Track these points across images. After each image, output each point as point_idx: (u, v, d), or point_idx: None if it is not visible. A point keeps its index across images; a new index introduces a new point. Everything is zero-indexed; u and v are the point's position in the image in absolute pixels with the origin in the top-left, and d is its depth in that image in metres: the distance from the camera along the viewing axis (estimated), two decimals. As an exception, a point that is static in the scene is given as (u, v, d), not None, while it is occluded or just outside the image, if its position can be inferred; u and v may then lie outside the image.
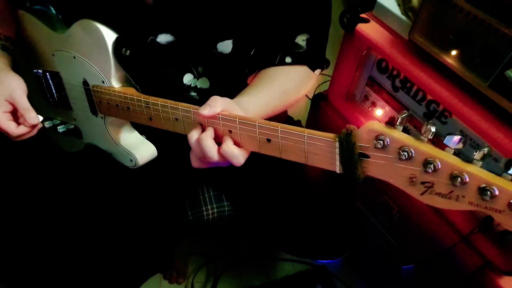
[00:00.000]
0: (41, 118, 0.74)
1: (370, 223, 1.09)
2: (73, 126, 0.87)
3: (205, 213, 0.95)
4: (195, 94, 0.82)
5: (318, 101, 1.09)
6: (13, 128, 0.72)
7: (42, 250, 0.83)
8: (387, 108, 0.93)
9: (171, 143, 0.78)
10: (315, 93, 1.13)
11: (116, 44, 0.70)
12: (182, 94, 0.81)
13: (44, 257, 0.83)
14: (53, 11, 0.84)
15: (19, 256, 0.85)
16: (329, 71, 0.92)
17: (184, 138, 0.61)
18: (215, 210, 0.96)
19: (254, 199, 0.95)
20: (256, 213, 0.97)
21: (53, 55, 0.81)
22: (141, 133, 0.82)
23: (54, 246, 0.83)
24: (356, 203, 1.12)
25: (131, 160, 0.78)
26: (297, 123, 1.06)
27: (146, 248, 0.92)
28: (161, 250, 1.02)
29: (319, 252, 1.05)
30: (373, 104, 0.96)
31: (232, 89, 0.72)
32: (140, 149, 0.79)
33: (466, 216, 0.82)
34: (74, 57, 0.76)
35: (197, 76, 0.80)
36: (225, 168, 0.61)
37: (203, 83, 0.81)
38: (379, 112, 0.96)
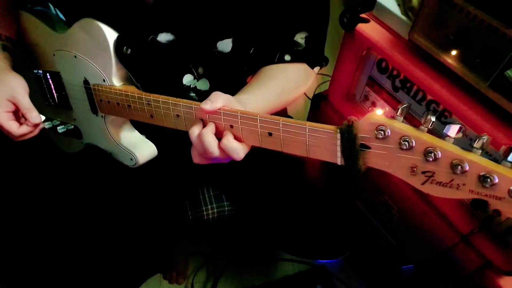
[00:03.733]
0: (43, 117, 0.74)
1: (370, 223, 1.09)
2: (73, 126, 0.87)
3: (205, 213, 0.95)
4: (195, 95, 0.82)
5: (318, 101, 1.09)
6: (15, 128, 0.72)
7: (42, 250, 0.83)
8: (387, 108, 0.93)
9: (171, 143, 0.78)
10: (315, 93, 1.14)
11: (117, 42, 0.70)
12: (181, 94, 0.81)
13: (44, 257, 0.83)
14: (54, 12, 0.84)
15: (19, 256, 0.85)
16: (329, 71, 0.92)
17: (184, 138, 0.61)
18: (215, 210, 0.96)
19: (254, 199, 0.95)
20: (256, 213, 0.97)
21: (53, 55, 0.81)
22: (141, 132, 0.82)
23: (54, 246, 0.83)
24: (356, 203, 1.12)
25: (131, 159, 0.78)
26: (297, 123, 1.06)
27: (146, 248, 0.92)
28: (161, 250, 1.02)
29: (319, 252, 1.05)
30: (373, 104, 0.96)
31: (232, 90, 0.72)
32: (140, 148, 0.79)
33: (466, 216, 0.82)
34: (75, 57, 0.76)
35: (197, 77, 0.80)
36: (225, 167, 0.62)
37: (202, 85, 0.81)
38: (379, 112, 0.95)
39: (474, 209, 0.81)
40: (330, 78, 1.05)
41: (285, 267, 1.38)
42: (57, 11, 0.84)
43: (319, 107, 1.10)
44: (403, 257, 1.02)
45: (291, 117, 1.10)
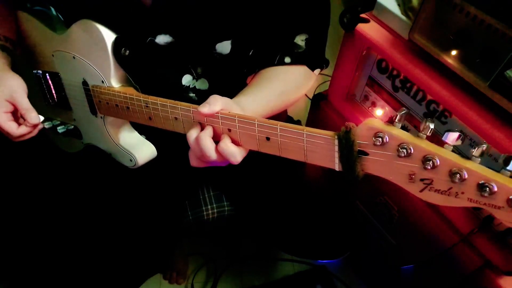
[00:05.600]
0: (42, 118, 0.74)
1: (370, 223, 1.09)
2: (72, 126, 0.87)
3: (205, 213, 0.95)
4: (194, 95, 0.82)
5: (318, 101, 1.09)
6: (14, 129, 0.72)
7: (42, 250, 0.84)
8: (387, 108, 0.93)
9: (170, 143, 0.78)
10: (315, 93, 1.13)
11: (116, 44, 0.70)
12: (181, 95, 0.81)
13: (44, 257, 0.83)
14: (53, 12, 0.84)
15: (19, 256, 0.85)
16: (329, 71, 0.92)
17: (183, 138, 0.61)
18: (215, 210, 0.96)
19: (254, 199, 0.95)
20: (256, 213, 0.97)
21: (52, 55, 0.81)
22: (140, 133, 0.82)
23: (54, 246, 0.83)
24: (356, 203, 1.12)
25: (131, 160, 0.78)
26: (297, 123, 1.06)
27: (146, 248, 0.92)
28: (161, 250, 1.02)
29: (319, 252, 1.05)
30: (373, 104, 0.96)
31: (231, 90, 0.72)
32: (139, 149, 0.79)
33: (466, 216, 0.82)
34: (74, 57, 0.76)
35: (196, 77, 0.80)
36: (225, 168, 0.61)
37: (202, 84, 0.81)
38: (379, 112, 0.96)
39: (474, 209, 0.81)
40: (330, 78, 1.05)
41: (285, 267, 1.38)
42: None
43: (319, 107, 1.10)
44: (403, 257, 1.02)
45: (291, 117, 1.10)
